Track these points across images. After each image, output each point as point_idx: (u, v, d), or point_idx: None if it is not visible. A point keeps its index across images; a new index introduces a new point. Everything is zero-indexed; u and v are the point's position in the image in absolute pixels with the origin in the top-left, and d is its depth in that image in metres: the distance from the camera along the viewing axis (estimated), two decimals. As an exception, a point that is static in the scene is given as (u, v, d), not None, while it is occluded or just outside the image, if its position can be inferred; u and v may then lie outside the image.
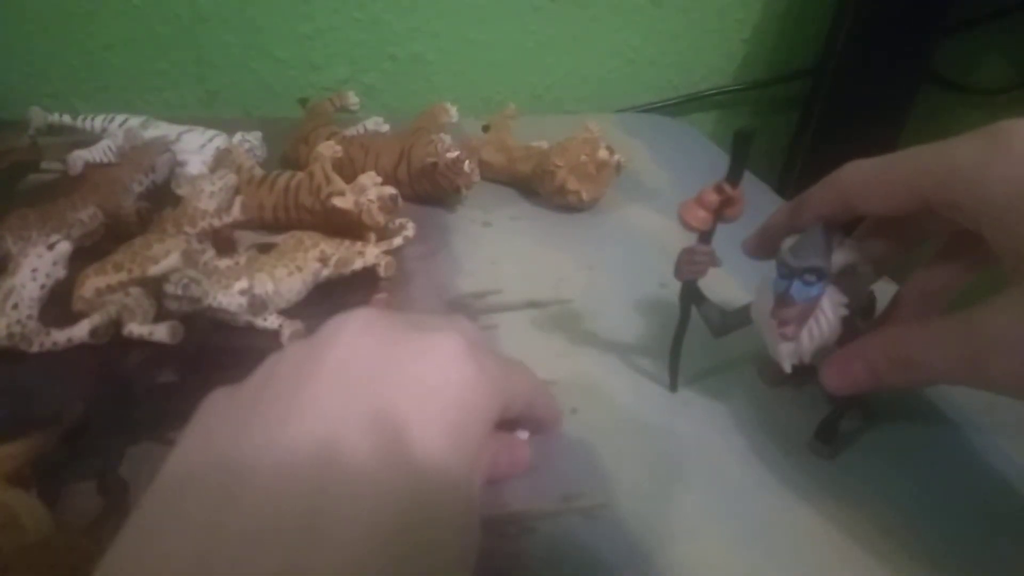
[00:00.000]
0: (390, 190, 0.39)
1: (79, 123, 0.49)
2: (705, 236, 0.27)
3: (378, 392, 0.18)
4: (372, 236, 0.39)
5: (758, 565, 0.25)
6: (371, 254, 0.38)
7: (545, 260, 0.43)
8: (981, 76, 0.70)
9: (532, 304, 0.38)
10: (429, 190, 0.47)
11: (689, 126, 0.68)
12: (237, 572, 0.14)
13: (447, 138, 0.45)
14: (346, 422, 0.17)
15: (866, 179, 0.24)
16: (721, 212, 0.26)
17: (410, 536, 0.16)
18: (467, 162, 0.45)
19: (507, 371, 0.22)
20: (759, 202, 0.52)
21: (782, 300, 0.26)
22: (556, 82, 0.70)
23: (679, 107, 0.73)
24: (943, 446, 0.30)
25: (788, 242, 0.27)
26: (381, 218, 0.39)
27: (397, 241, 0.40)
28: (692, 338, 0.30)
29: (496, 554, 0.24)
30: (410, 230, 0.41)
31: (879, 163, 0.24)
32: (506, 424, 0.24)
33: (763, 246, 0.29)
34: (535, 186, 0.49)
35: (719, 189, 0.25)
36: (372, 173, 0.39)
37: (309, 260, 0.36)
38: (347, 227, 0.39)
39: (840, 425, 0.28)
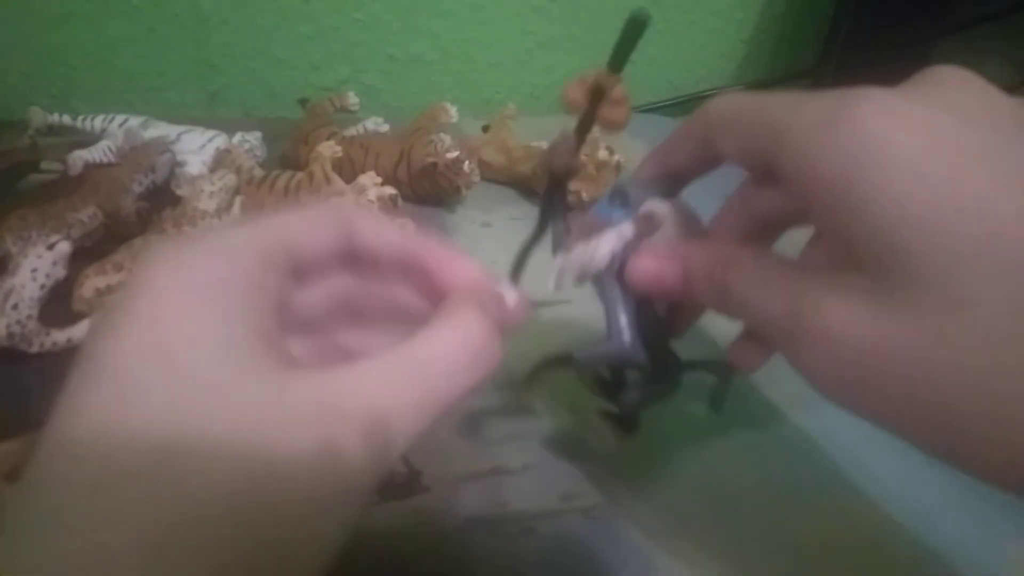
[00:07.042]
0: (390, 190, 0.39)
1: (79, 123, 0.49)
2: (580, 128, 0.25)
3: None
4: (372, 236, 0.39)
5: (758, 565, 0.25)
6: (371, 254, 0.38)
7: (545, 260, 0.43)
8: (981, 76, 0.70)
9: (532, 304, 0.38)
10: (429, 190, 0.47)
11: (689, 126, 0.68)
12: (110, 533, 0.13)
13: (447, 138, 0.45)
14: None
15: (725, 116, 0.20)
16: (600, 109, 0.24)
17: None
18: (467, 162, 0.45)
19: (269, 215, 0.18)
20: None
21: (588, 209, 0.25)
22: (556, 82, 0.70)
23: (679, 107, 0.72)
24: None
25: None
26: (381, 218, 0.39)
27: (397, 241, 0.40)
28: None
29: (496, 554, 0.24)
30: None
31: (744, 101, 0.20)
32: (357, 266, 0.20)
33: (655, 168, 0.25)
34: (535, 186, 0.49)
35: (599, 74, 0.23)
36: (372, 173, 0.39)
37: (309, 260, 0.36)
38: (347, 227, 0.39)
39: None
